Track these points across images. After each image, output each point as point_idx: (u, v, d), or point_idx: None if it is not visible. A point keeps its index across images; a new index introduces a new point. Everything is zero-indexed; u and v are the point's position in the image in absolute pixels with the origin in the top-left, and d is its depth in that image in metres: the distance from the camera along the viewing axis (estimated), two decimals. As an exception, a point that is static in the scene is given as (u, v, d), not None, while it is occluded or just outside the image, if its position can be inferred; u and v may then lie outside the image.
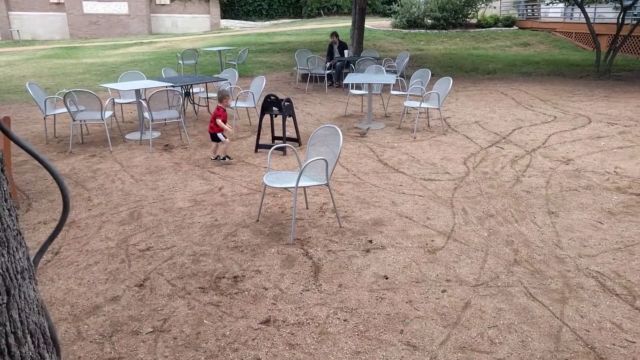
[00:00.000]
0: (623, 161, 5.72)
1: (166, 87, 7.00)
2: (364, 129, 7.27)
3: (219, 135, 5.85)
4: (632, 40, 14.61)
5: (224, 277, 3.40)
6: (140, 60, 15.42)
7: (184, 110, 8.25)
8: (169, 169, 5.76)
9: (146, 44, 20.00)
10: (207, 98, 8.40)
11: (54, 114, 7.12)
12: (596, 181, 5.11)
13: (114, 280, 3.38)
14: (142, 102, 6.64)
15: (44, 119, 7.02)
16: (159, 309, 3.05)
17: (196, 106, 8.70)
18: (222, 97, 5.85)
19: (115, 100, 7.61)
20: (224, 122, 5.80)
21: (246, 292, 3.22)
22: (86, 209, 4.62)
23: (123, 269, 3.52)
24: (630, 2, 11.79)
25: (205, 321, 2.92)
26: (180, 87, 7.48)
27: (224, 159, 5.94)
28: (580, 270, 3.40)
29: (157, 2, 27.16)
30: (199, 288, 3.27)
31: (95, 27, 25.28)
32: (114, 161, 6.07)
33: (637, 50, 14.91)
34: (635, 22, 12.11)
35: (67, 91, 6.34)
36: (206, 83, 8.13)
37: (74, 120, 6.49)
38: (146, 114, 6.45)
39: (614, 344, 2.65)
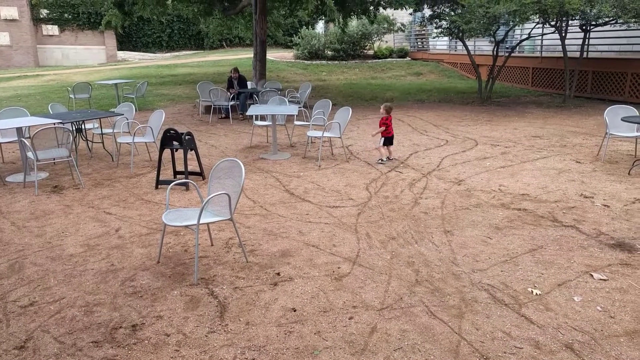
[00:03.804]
0: (505, 179, 6.30)
1: (54, 123, 6.50)
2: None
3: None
4: (506, 70, 16.39)
5: (120, 327, 3.15)
6: (24, 95, 14.22)
7: (76, 147, 7.70)
8: (58, 212, 5.30)
9: (32, 77, 18.54)
10: (102, 134, 7.92)
11: None
12: (484, 199, 5.56)
13: (-12, 344, 2.98)
14: (25, 141, 6.09)
15: None
16: (44, 372, 2.73)
17: (90, 143, 8.16)
18: (392, 108, 7.49)
19: (-7, 140, 6.90)
20: None
21: (146, 341, 3.00)
22: (-45, 264, 4.06)
23: None
24: (502, 37, 13.25)
25: (98, 379, 2.67)
26: (70, 124, 7.00)
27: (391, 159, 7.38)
28: (474, 284, 3.64)
29: (45, 33, 25.47)
30: (92, 342, 2.99)
31: (-30, 59, 23.00)
32: (-9, 207, 5.45)
33: (511, 79, 16.75)
34: (507, 54, 13.62)
35: None
36: (100, 118, 7.68)
37: (-60, 164, 5.76)
38: (30, 154, 5.91)
39: (505, 352, 2.84)
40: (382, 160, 7.27)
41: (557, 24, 11.92)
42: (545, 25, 12.68)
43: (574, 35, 12.77)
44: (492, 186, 6.01)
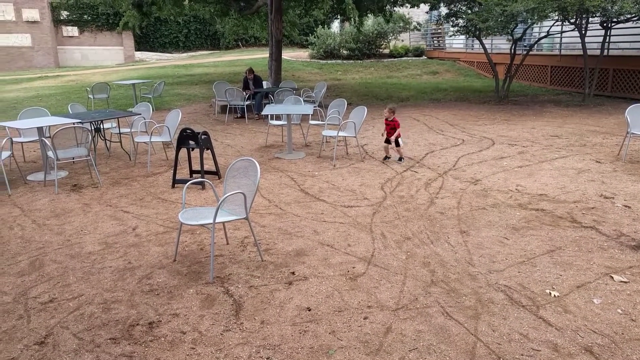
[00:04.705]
0: (523, 179, 6.21)
1: (73, 123, 6.61)
2: None
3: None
4: (524, 68, 16.15)
5: (137, 325, 3.19)
6: (45, 95, 14.49)
7: (95, 147, 7.83)
8: (77, 210, 5.39)
9: (52, 78, 18.88)
10: (120, 134, 8.03)
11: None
12: (501, 199, 5.49)
13: (9, 340, 3.04)
14: (45, 140, 6.20)
15: None
16: (63, 367, 2.78)
17: (108, 142, 8.28)
18: (394, 110, 7.44)
19: (15, 139, 7.04)
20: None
21: (162, 339, 3.03)
22: (-22, 261, 4.16)
23: (21, 326, 3.19)
24: (519, 35, 13.07)
25: (116, 376, 2.71)
26: (89, 123, 7.11)
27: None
28: (490, 285, 3.60)
29: (65, 34, 25.92)
30: (110, 339, 3.04)
31: (-8, 61, 23.50)
32: (12, 205, 5.56)
33: (529, 77, 16.51)
34: (525, 52, 13.42)
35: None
36: (118, 118, 7.78)
37: (-36, 163, 5.90)
38: (50, 153, 6.02)
39: (522, 354, 2.80)
40: (401, 158, 7.34)
41: (576, 21, 11.70)
42: (564, 23, 12.46)
43: (594, 33, 12.53)
44: (509, 186, 5.94)
